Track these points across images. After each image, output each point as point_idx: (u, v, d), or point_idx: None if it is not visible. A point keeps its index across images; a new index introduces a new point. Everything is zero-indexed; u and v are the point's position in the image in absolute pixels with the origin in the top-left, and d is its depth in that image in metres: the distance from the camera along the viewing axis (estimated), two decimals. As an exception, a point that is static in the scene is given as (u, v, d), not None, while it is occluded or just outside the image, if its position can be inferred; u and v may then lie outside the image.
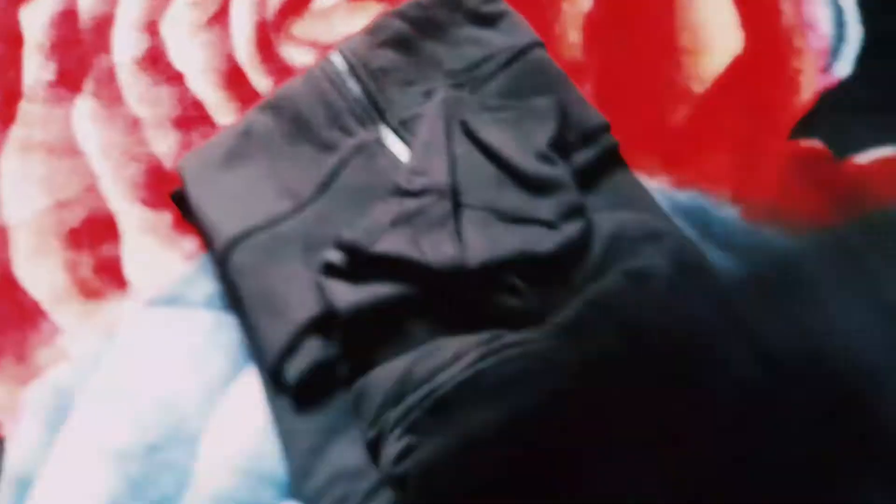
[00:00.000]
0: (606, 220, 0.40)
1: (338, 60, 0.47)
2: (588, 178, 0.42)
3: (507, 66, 0.45)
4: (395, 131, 0.45)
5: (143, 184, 0.51)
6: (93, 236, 0.49)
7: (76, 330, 0.46)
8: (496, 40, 0.46)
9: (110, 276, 0.47)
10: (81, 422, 0.42)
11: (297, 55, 0.53)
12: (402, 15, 0.48)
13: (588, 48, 0.49)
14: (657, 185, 0.44)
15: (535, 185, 0.39)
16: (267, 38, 0.54)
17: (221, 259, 0.42)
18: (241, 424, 0.41)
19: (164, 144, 0.52)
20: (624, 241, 0.38)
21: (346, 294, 0.37)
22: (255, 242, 0.42)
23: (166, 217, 0.49)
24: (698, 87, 0.46)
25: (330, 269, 0.38)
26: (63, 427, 0.42)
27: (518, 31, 0.46)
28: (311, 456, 0.38)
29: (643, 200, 0.42)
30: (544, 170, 0.39)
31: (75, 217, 0.50)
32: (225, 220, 0.43)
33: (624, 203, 0.42)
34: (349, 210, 0.42)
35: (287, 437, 0.39)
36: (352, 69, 0.47)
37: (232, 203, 0.44)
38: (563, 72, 0.45)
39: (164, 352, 0.44)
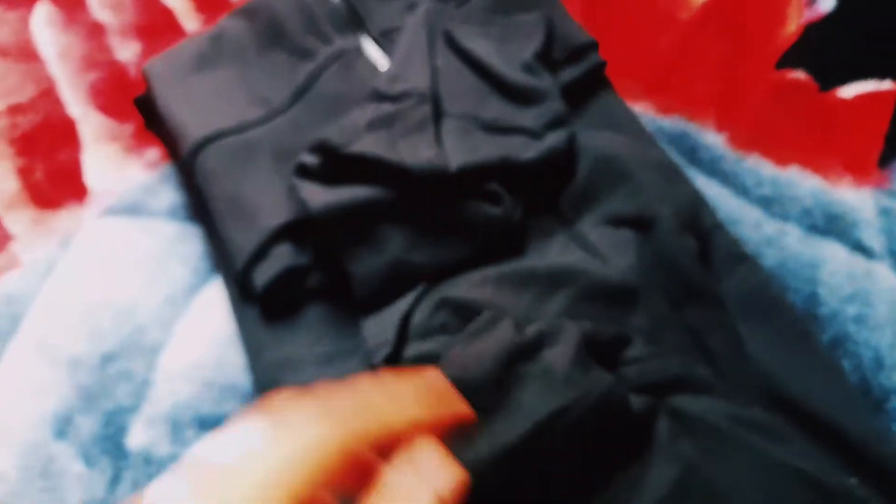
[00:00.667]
0: (591, 139, 0.38)
1: (316, -34, 0.44)
2: (574, 97, 0.41)
3: (495, -20, 0.43)
4: (376, 41, 0.43)
5: (104, 91, 0.47)
6: (48, 142, 0.46)
7: (29, 237, 0.42)
8: (483, -47, 0.44)
9: (66, 183, 0.44)
10: (32, 329, 0.40)
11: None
12: (385, -76, 0.45)
13: (574, -27, 0.47)
14: (641, 110, 0.43)
15: (518, 95, 0.37)
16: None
17: (188, 161, 0.40)
18: (203, 336, 0.39)
19: (128, 52, 0.48)
20: (612, 163, 0.37)
21: (319, 195, 0.35)
22: (224, 146, 0.39)
23: (128, 126, 0.46)
24: (684, 14, 0.45)
25: (304, 171, 0.36)
26: (13, 335, 0.40)
27: (505, -54, 0.44)
28: (278, 369, 0.36)
29: (629, 123, 0.41)
30: (528, 80, 0.38)
31: (28, 122, 0.47)
32: (193, 123, 0.40)
33: (610, 125, 0.41)
34: (325, 119, 0.40)
35: (253, 349, 0.37)
36: (331, -24, 0.44)
37: (201, 107, 0.41)
38: (552, -12, 0.43)
39: (123, 261, 0.41)
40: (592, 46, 0.41)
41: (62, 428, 0.37)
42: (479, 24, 0.41)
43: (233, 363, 0.38)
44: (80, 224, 0.43)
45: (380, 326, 0.35)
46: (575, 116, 0.41)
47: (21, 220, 0.43)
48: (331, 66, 0.42)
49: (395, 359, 0.34)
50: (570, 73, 0.41)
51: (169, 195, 0.43)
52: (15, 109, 0.47)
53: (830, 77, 0.42)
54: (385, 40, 0.43)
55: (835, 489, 0.29)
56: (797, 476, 0.28)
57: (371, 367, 0.34)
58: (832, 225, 0.39)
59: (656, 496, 0.28)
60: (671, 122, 0.42)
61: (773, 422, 0.30)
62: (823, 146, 0.41)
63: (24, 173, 0.45)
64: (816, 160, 0.41)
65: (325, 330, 0.37)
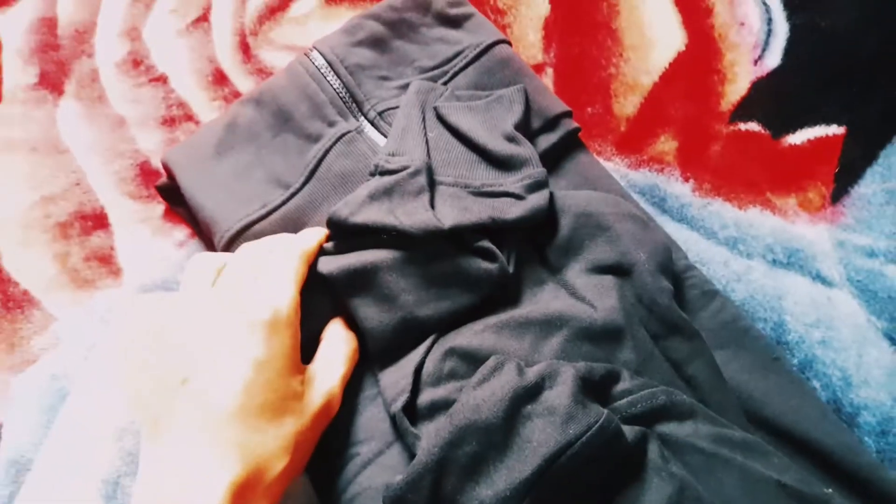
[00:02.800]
0: (572, 197, 0.42)
1: (316, 57, 0.49)
2: (552, 161, 0.45)
3: (474, 60, 0.47)
4: (373, 122, 0.47)
5: (130, 178, 0.51)
6: (82, 228, 0.49)
7: (69, 317, 0.45)
8: (464, 39, 0.48)
9: (102, 264, 0.48)
10: (78, 404, 0.42)
11: (277, 59, 0.55)
12: (375, 16, 0.50)
13: (546, 47, 0.52)
14: (614, 167, 0.47)
15: (502, 163, 0.41)
16: (246, 44, 0.55)
17: (224, 250, 0.43)
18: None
19: (150, 141, 0.52)
20: (591, 217, 0.41)
21: (329, 263, 0.38)
22: (253, 233, 0.43)
23: (156, 208, 0.50)
24: (646, 80, 0.50)
25: (322, 251, 0.39)
26: (59, 409, 0.42)
27: (484, 30, 0.49)
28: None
29: (604, 179, 0.44)
30: (511, 148, 0.41)
31: (62, 211, 0.50)
32: (222, 212, 0.44)
33: (586, 183, 0.44)
34: (333, 194, 0.44)
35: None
36: (330, 65, 0.48)
37: (225, 192, 0.44)
38: (527, 65, 0.47)
39: (158, 334, 0.44)
40: (567, 114, 0.45)
41: (111, 492, 0.39)
42: (465, 98, 0.45)
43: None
44: (117, 302, 0.46)
45: (396, 377, 0.38)
46: (555, 177, 0.44)
47: (60, 303, 0.46)
48: (335, 146, 0.46)
49: (411, 406, 0.37)
50: (547, 140, 0.45)
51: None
52: (48, 200, 0.50)
53: (781, 126, 0.46)
54: (381, 120, 0.46)
55: (815, 499, 0.31)
56: (779, 488, 0.31)
57: (391, 416, 0.37)
58: (793, 259, 0.42)
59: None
60: (641, 176, 0.46)
61: (754, 440, 0.33)
62: (780, 188, 0.45)
63: (61, 259, 0.48)
64: (774, 201, 0.44)
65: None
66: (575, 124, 0.45)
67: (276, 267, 0.37)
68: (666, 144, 0.47)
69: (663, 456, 0.32)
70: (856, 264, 0.42)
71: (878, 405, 0.38)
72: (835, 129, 0.46)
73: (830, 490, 0.32)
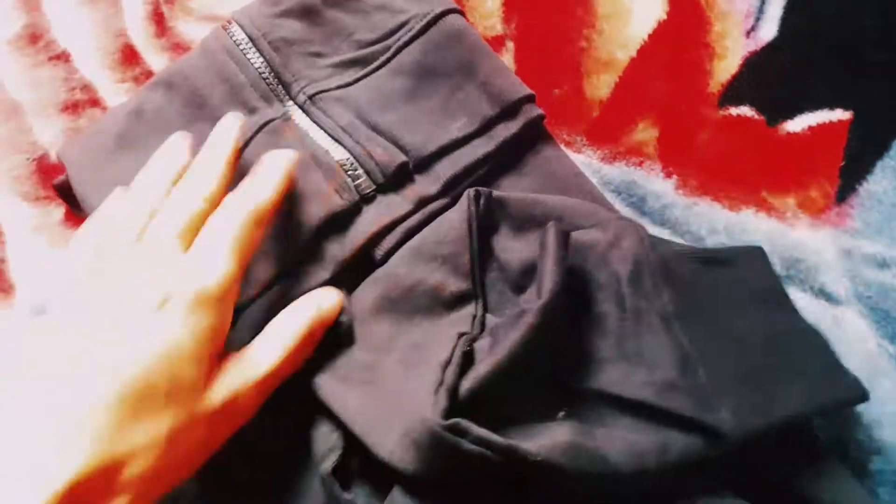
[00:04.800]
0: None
1: (235, 31, 0.40)
2: (512, 155, 0.37)
3: (421, 34, 0.39)
4: (303, 107, 0.38)
5: (26, 177, 0.43)
6: (-32, 238, 0.41)
7: (-52, 345, 0.38)
8: (410, 7, 0.40)
9: (-12, 282, 0.40)
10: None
11: (196, 31, 0.46)
12: (304, -19, 0.41)
13: (506, 17, 0.43)
14: (584, 160, 0.39)
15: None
16: (160, 14, 0.46)
17: None
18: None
19: (50, 132, 0.44)
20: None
21: None
22: None
23: (55, 212, 0.42)
24: (622, 55, 0.41)
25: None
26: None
27: (432, -4, 0.40)
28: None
29: (573, 179, 0.37)
30: None
31: (-54, 217, 0.42)
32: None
33: (554, 182, 0.37)
34: None
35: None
36: (252, 40, 0.40)
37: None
38: (482, 39, 0.39)
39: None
40: (529, 99, 0.37)
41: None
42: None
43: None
44: (6, 327, 0.38)
45: (325, 428, 0.31)
46: (516, 176, 0.37)
47: (-60, 326, 0.39)
48: (256, 136, 0.37)
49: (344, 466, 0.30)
50: (506, 129, 0.37)
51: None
52: (-70, 204, 0.42)
53: (777, 110, 0.39)
54: (313, 105, 0.38)
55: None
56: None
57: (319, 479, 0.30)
58: (792, 271, 0.35)
59: None
60: (617, 171, 0.38)
61: None
62: (776, 185, 0.37)
63: (-57, 273, 0.40)
64: (770, 201, 0.37)
65: None
66: (538, 110, 0.37)
67: (217, 228, 0.30)
68: (645, 133, 0.39)
69: None
70: (865, 277, 0.35)
71: (893, 449, 0.31)
72: (840, 114, 0.38)
73: None
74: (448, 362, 0.28)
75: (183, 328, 0.26)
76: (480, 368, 0.27)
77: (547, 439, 0.26)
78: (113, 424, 0.24)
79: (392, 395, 0.28)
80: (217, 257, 0.28)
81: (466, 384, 0.27)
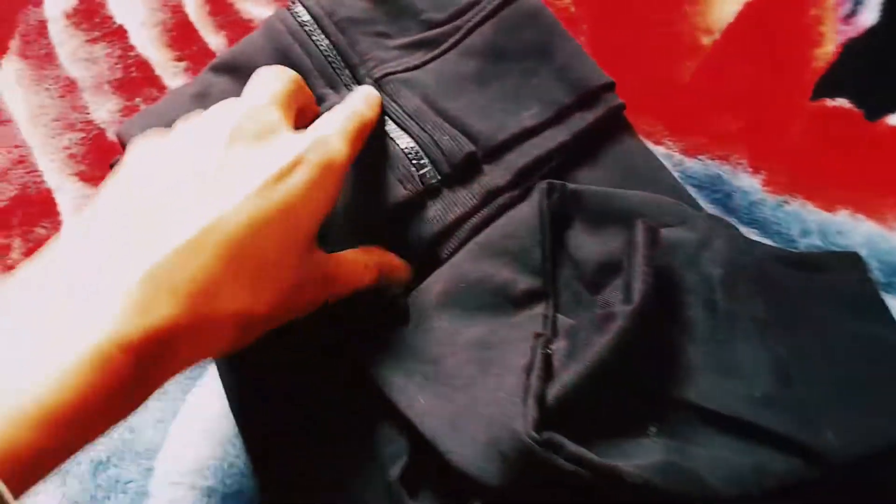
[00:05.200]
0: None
1: (300, 11, 0.38)
2: (588, 147, 0.35)
3: (494, 14, 0.36)
4: (370, 91, 0.36)
5: (82, 155, 0.42)
6: (25, 216, 0.40)
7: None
8: (481, -15, 0.37)
9: (44, 263, 0.39)
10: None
11: (254, 8, 0.44)
12: (370, -43, 0.39)
13: (581, -3, 0.41)
14: (664, 152, 0.36)
15: None
16: (219, -12, 0.44)
17: None
18: (202, 435, 0.33)
19: (104, 110, 0.43)
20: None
21: None
22: None
23: (109, 194, 0.41)
24: (706, 39, 0.39)
25: None
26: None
27: (505, -26, 0.38)
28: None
29: (654, 172, 0.34)
30: None
31: (3, 195, 0.41)
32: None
33: (632, 176, 0.34)
34: None
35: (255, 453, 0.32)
36: (316, 21, 0.38)
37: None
38: (559, 21, 0.37)
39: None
40: (609, 87, 0.35)
41: None
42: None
43: (236, 466, 0.32)
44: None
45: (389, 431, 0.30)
46: (590, 168, 0.34)
47: (-2, 307, 0.38)
48: None
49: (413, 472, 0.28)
50: (583, 118, 0.34)
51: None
52: (-13, 181, 0.41)
53: (878, 103, 0.36)
54: (381, 89, 0.36)
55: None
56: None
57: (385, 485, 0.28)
58: (894, 278, 0.33)
59: None
60: (700, 165, 0.36)
61: None
62: (877, 184, 0.34)
63: (1, 252, 0.39)
64: (870, 201, 0.34)
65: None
66: (619, 100, 0.35)
67: (329, 120, 0.30)
68: (731, 124, 0.37)
69: None
70: (975, 287, 0.32)
71: None
72: (948, 108, 0.35)
73: None
74: (531, 366, 0.26)
75: (309, 189, 0.26)
76: (566, 376, 0.25)
77: (641, 458, 0.24)
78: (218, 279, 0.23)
79: (465, 398, 0.27)
80: (335, 139, 0.28)
81: (552, 392, 0.25)
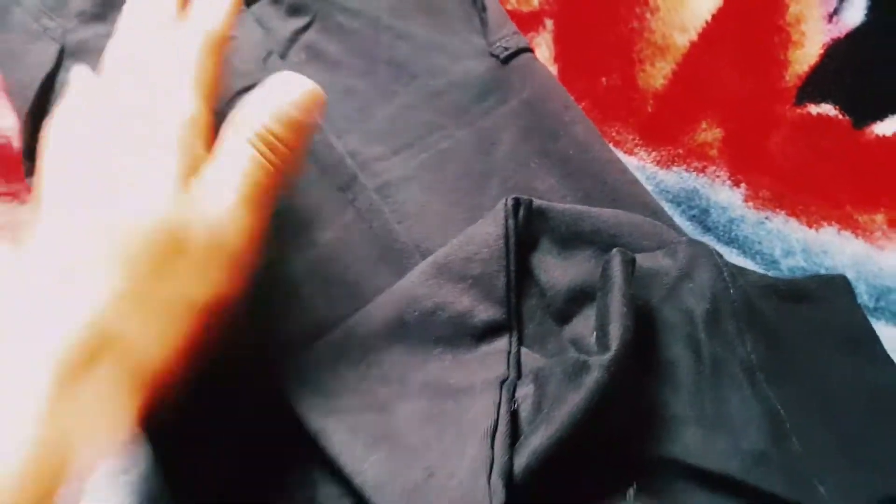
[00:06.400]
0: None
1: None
2: (555, 153, 0.32)
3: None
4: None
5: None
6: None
7: None
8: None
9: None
10: None
11: None
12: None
13: (546, -10, 0.37)
14: (637, 163, 0.33)
15: None
16: None
17: None
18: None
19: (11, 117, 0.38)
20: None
21: None
22: None
23: (19, 210, 0.36)
24: (680, 39, 0.35)
25: None
26: None
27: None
28: None
29: (629, 188, 0.31)
30: None
31: None
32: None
33: (606, 192, 0.31)
34: None
35: None
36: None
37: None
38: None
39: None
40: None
41: None
42: None
43: None
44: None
45: None
46: (560, 177, 0.31)
47: None
48: None
49: None
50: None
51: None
52: None
53: (865, 110, 0.33)
54: None
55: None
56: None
57: None
58: (882, 302, 0.30)
59: None
60: (676, 178, 0.33)
61: None
62: (864, 199, 0.32)
63: None
64: (857, 217, 0.31)
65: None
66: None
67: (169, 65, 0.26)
68: (708, 133, 0.33)
69: None
70: (968, 311, 0.30)
71: None
72: (937, 115, 0.33)
73: None
74: (495, 429, 0.22)
75: (167, 174, 0.23)
76: (535, 442, 0.22)
77: None
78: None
79: (421, 466, 0.23)
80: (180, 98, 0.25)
81: (520, 462, 0.22)
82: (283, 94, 0.25)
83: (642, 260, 0.27)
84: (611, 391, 0.22)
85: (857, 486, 0.23)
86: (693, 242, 0.28)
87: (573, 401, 0.22)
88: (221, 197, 0.24)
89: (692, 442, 0.24)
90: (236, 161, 0.24)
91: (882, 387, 0.26)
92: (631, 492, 0.23)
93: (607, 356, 0.23)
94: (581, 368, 0.23)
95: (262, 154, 0.24)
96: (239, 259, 0.24)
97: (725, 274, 0.26)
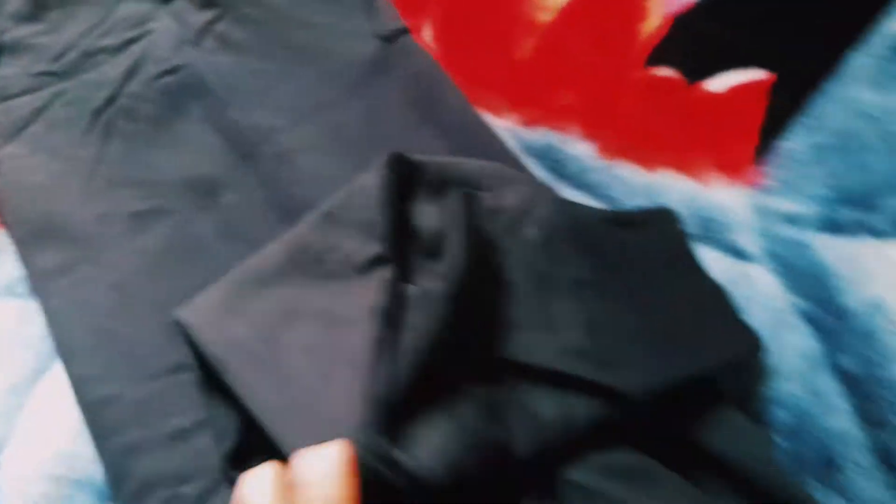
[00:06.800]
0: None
1: None
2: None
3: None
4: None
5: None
6: None
7: None
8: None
9: None
10: None
11: None
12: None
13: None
14: (506, 125, 0.38)
15: None
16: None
17: None
18: (49, 427, 0.33)
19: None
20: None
21: None
22: None
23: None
24: (544, 17, 0.40)
25: None
26: None
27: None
28: (125, 457, 0.31)
29: (491, 143, 0.36)
30: None
31: None
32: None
33: (473, 147, 0.36)
34: None
35: (99, 437, 0.32)
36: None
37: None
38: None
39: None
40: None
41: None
42: None
43: (83, 455, 0.32)
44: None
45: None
46: (435, 138, 0.36)
47: None
48: None
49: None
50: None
51: (6, 271, 0.37)
52: None
53: (699, 70, 0.38)
54: None
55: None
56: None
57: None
58: (706, 230, 0.35)
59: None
60: (538, 136, 0.38)
61: (646, 466, 0.27)
62: (694, 146, 0.37)
63: None
64: (688, 161, 0.37)
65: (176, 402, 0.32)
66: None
67: None
68: (567, 97, 0.39)
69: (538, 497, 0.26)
70: (777, 235, 0.35)
71: (791, 399, 0.32)
72: (761, 75, 0.38)
73: None
74: (370, 356, 0.27)
75: None
76: (400, 368, 0.26)
77: (453, 441, 0.25)
78: None
79: (304, 386, 0.28)
80: None
81: (382, 388, 0.26)
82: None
83: (492, 199, 0.32)
84: (452, 315, 0.27)
85: (657, 369, 0.28)
86: (536, 184, 0.33)
87: (428, 326, 0.27)
88: None
89: (525, 343, 0.29)
90: None
91: (689, 290, 0.31)
92: (474, 391, 0.28)
93: (446, 284, 0.27)
94: (429, 295, 0.28)
95: None
96: None
97: (561, 205, 0.31)
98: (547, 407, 0.27)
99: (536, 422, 0.27)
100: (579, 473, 0.27)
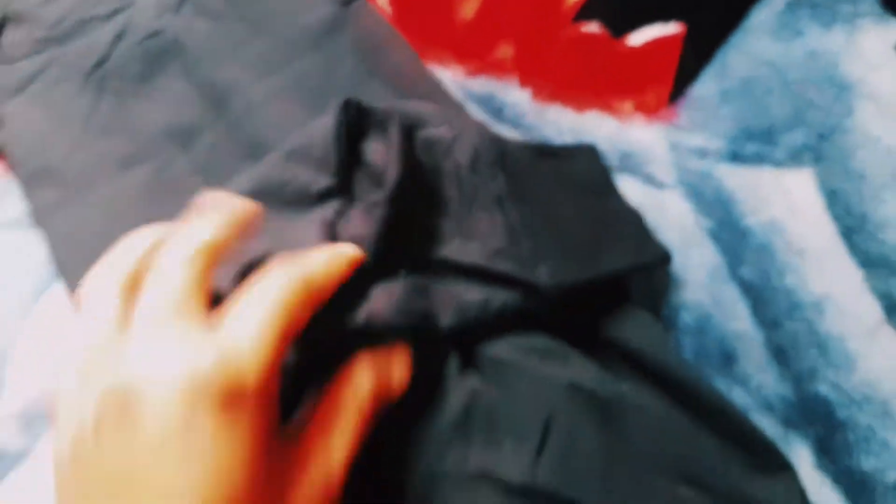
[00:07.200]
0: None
1: None
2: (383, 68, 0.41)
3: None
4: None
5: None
6: None
7: None
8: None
9: None
10: None
11: None
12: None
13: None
14: (450, 75, 0.43)
15: None
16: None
17: None
18: (51, 342, 0.38)
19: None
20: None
21: None
22: None
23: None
24: (488, -18, 0.45)
25: None
26: None
27: None
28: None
29: (435, 89, 0.41)
30: None
31: None
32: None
33: (417, 93, 0.41)
34: None
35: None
36: None
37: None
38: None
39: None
40: None
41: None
42: None
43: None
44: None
45: None
46: (381, 86, 0.41)
47: None
48: None
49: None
50: None
51: (11, 208, 0.42)
52: None
53: (622, 25, 0.43)
54: None
55: (608, 396, 0.30)
56: (570, 388, 0.30)
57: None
58: (626, 162, 0.40)
59: (447, 420, 0.30)
60: (480, 84, 0.42)
61: (556, 346, 0.32)
62: (618, 90, 0.41)
63: None
64: (612, 104, 0.41)
65: None
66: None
67: (249, 299, 0.23)
68: (505, 50, 0.43)
69: (460, 370, 0.30)
70: (688, 166, 0.39)
71: (696, 305, 0.36)
72: (675, 28, 0.43)
73: (627, 386, 0.31)
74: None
75: (221, 446, 0.19)
76: None
77: (382, 302, 0.30)
78: None
79: None
80: (249, 334, 0.21)
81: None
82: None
83: (430, 132, 0.36)
84: (390, 216, 0.32)
85: (569, 268, 0.33)
86: (468, 119, 0.37)
87: (365, 226, 0.32)
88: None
89: (453, 247, 0.33)
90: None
91: (605, 209, 0.36)
92: (402, 273, 0.32)
93: (383, 194, 0.32)
94: (372, 205, 0.32)
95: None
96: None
97: (489, 135, 0.36)
98: (470, 293, 0.32)
99: (459, 301, 0.31)
100: (497, 349, 0.31)
